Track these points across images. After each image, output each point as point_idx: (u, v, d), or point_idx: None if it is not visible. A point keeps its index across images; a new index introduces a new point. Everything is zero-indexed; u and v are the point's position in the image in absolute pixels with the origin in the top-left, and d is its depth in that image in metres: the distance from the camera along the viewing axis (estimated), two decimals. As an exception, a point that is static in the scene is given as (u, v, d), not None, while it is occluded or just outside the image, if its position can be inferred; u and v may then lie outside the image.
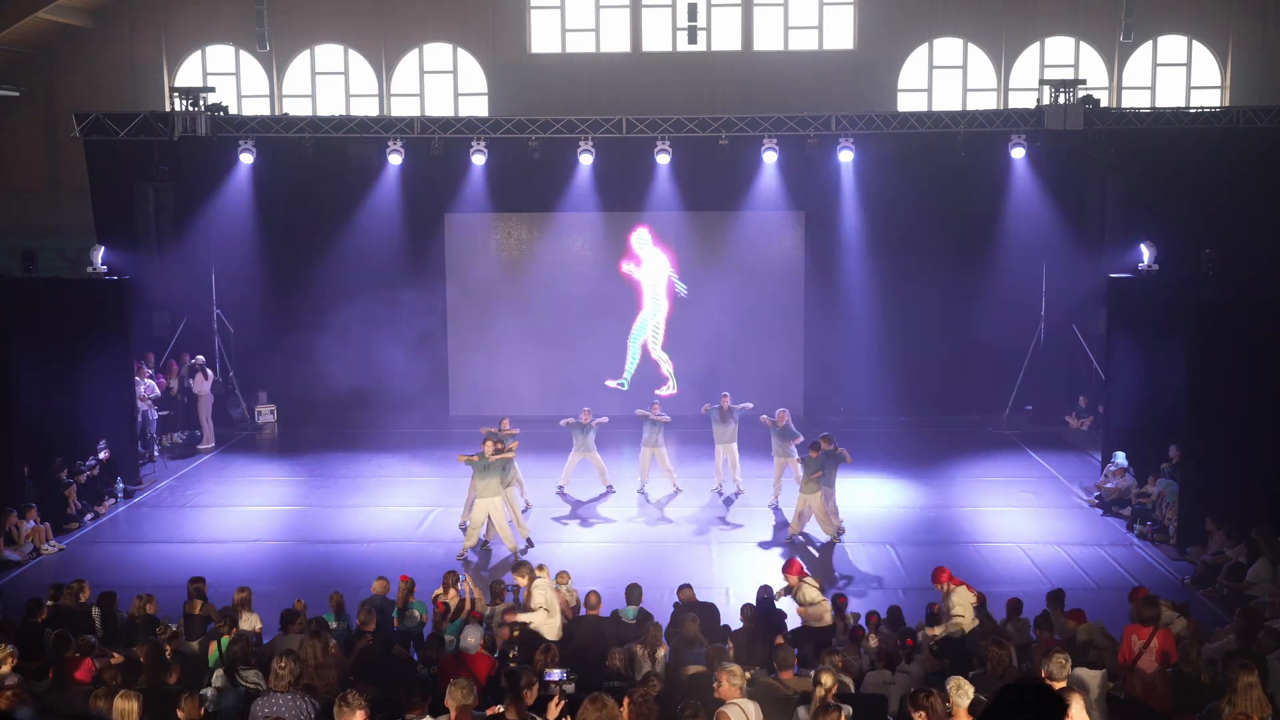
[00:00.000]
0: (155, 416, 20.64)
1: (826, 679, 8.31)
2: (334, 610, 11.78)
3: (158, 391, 20.81)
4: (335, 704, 7.40)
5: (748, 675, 8.37)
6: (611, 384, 21.40)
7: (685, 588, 12.13)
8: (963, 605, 11.32)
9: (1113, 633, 10.72)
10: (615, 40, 26.80)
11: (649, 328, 21.71)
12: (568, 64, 26.67)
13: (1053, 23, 26.69)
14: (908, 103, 26.45)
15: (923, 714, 7.55)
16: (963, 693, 7.76)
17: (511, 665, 10.10)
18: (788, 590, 12.21)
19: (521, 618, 11.24)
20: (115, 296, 18.99)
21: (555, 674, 8.92)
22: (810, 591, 12.10)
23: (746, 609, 11.81)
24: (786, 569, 12.39)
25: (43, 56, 26.94)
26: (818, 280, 22.86)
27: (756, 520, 17.15)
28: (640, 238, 21.73)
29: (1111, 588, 14.25)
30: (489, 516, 15.41)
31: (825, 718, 7.61)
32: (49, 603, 11.62)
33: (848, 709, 8.17)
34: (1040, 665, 8.59)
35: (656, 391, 20.60)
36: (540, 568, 12.07)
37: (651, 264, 21.70)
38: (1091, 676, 8.94)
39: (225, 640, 10.22)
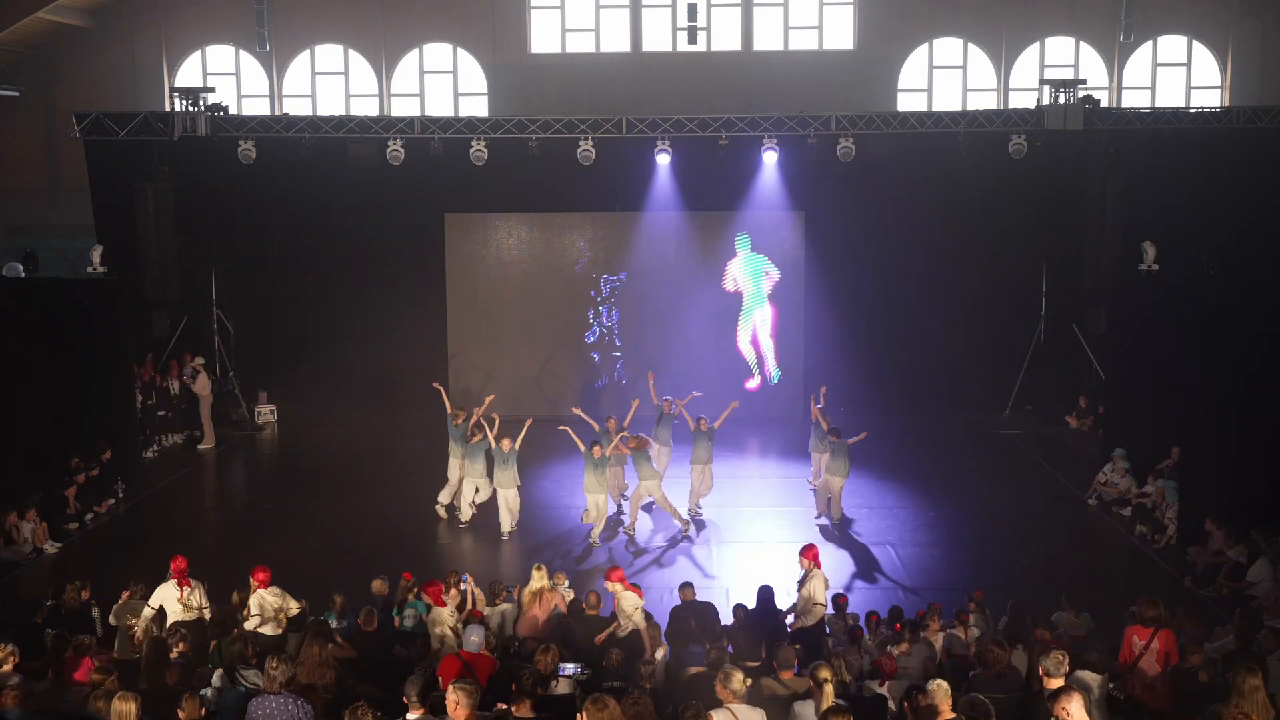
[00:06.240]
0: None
1: (824, 673, 8.29)
2: (335, 611, 11.79)
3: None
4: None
5: (748, 681, 8.33)
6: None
7: (685, 587, 12.13)
8: (822, 593, 11.50)
9: (1113, 634, 10.71)
10: (615, 40, 26.81)
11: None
12: (568, 64, 26.68)
13: (1053, 23, 26.70)
14: (908, 103, 26.46)
15: (907, 705, 7.56)
16: (933, 696, 7.79)
17: (513, 662, 10.11)
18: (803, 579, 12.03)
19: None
20: (115, 296, 18.98)
21: (569, 668, 8.99)
22: (817, 585, 11.90)
23: (739, 609, 11.81)
24: (804, 552, 12.20)
25: (43, 56, 26.95)
26: (818, 280, 22.86)
27: (757, 521, 17.15)
28: (741, 241, 22.83)
29: (1112, 588, 14.25)
30: (504, 502, 16.17)
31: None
32: (49, 603, 11.62)
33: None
34: (1038, 663, 8.59)
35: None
36: (539, 567, 12.08)
37: (742, 265, 22.92)
38: (1092, 679, 8.93)
39: (225, 640, 10.23)
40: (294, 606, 11.58)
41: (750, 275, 22.94)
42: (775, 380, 23.03)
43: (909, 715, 7.62)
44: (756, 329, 23.04)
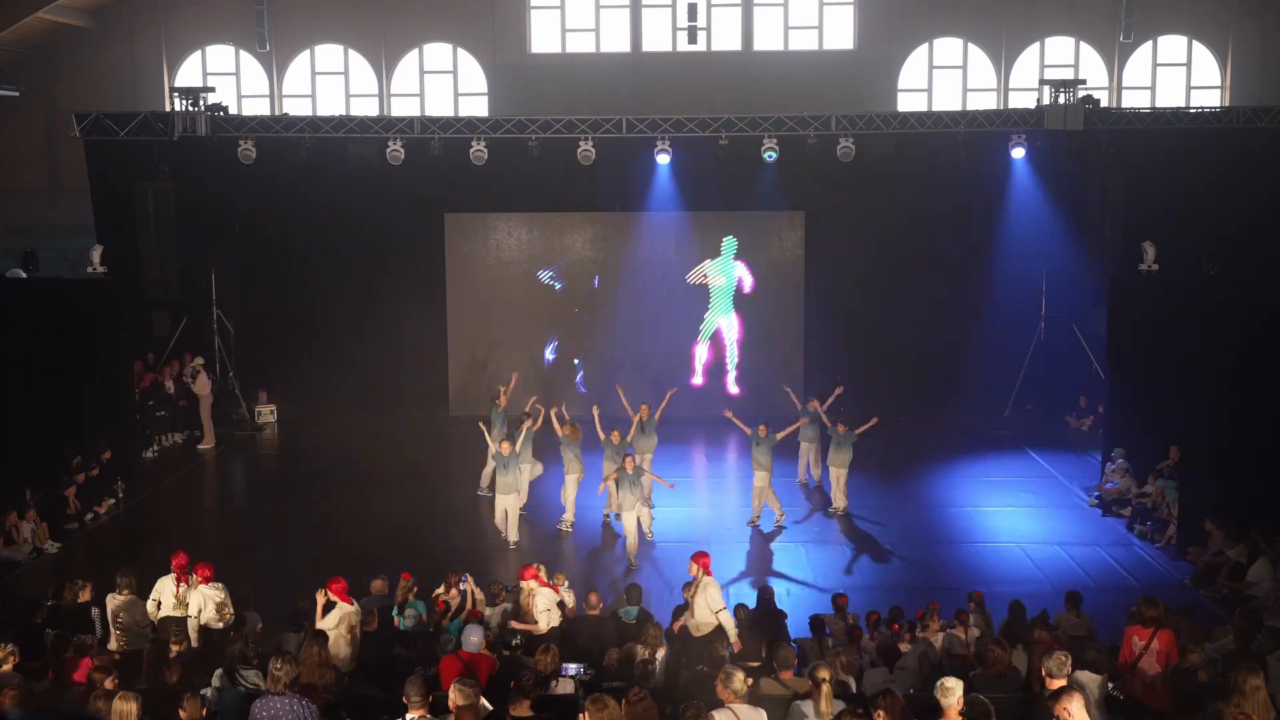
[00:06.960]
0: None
1: (824, 672, 8.29)
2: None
3: None
4: None
5: (749, 681, 8.32)
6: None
7: (688, 587, 12.12)
8: (719, 600, 11.19)
9: (1113, 634, 10.71)
10: (615, 40, 26.82)
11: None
12: (568, 64, 26.68)
13: (1053, 23, 26.71)
14: (908, 103, 26.47)
15: (881, 713, 7.52)
16: (950, 694, 7.76)
17: (507, 654, 10.11)
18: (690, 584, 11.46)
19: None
20: (115, 296, 18.98)
21: (572, 668, 8.98)
22: (712, 594, 11.22)
23: (739, 609, 11.80)
24: (695, 558, 11.56)
25: (43, 56, 26.96)
26: (818, 280, 22.86)
27: (756, 521, 17.14)
28: (727, 245, 22.90)
29: (1111, 588, 14.26)
30: (504, 510, 16.01)
31: None
32: (49, 603, 11.61)
33: None
34: (1040, 663, 8.58)
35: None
36: (538, 566, 12.09)
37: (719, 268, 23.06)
38: (1091, 680, 8.92)
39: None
40: (228, 610, 11.63)
41: (723, 281, 22.97)
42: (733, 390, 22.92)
43: (876, 717, 7.59)
44: (723, 335, 23.05)
